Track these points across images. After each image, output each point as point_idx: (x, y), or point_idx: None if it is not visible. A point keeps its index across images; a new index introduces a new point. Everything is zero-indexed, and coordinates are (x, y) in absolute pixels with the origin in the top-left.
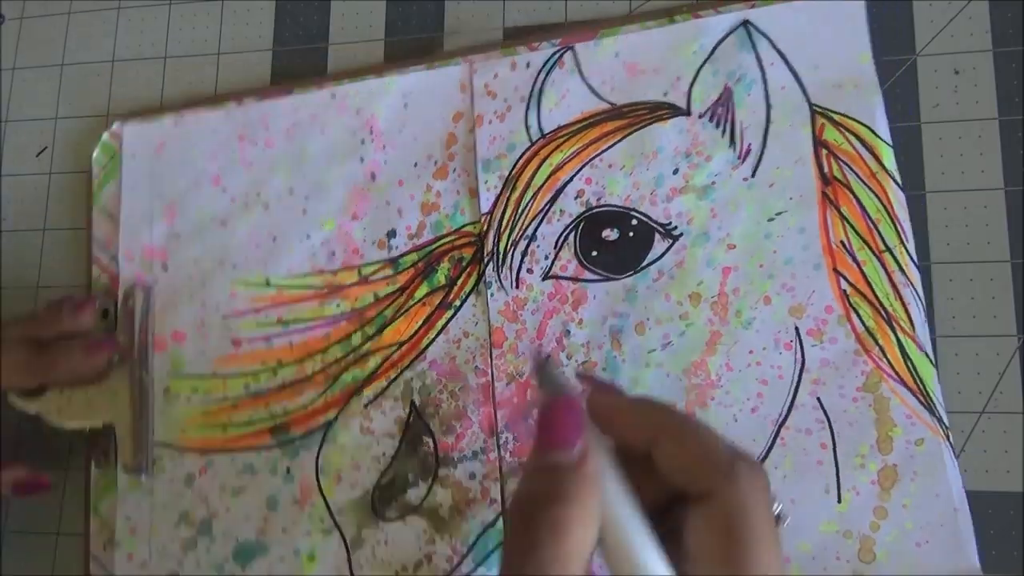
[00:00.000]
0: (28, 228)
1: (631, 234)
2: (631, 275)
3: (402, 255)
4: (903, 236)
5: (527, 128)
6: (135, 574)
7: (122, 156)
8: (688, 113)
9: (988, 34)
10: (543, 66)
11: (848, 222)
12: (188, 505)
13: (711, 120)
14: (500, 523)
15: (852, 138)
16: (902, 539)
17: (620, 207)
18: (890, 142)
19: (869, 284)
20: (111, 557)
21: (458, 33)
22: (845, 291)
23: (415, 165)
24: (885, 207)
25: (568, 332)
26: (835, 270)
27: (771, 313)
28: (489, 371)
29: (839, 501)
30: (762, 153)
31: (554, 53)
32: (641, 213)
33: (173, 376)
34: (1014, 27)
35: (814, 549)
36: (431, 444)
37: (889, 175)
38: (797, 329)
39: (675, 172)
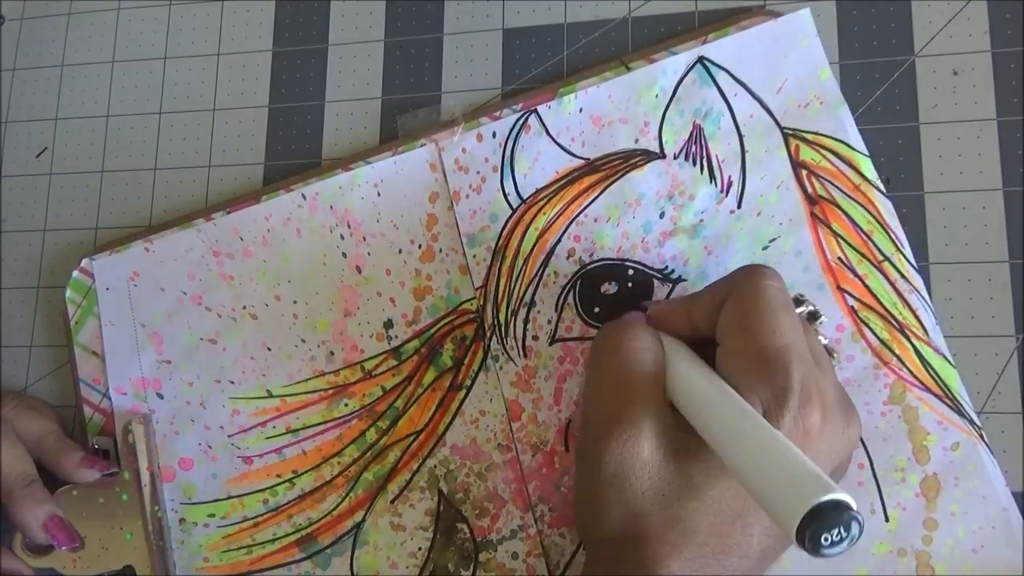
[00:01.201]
0: (28, 229)
1: (630, 284)
2: None
3: (403, 344)
4: (898, 243)
5: (505, 196)
6: None
7: (96, 291)
8: (662, 156)
9: (987, 35)
10: (509, 133)
11: (842, 238)
12: None
13: (687, 159)
14: None
15: (829, 155)
16: (957, 548)
17: (614, 260)
18: (866, 152)
19: (875, 296)
20: None
21: (415, 115)
22: (853, 307)
23: (400, 252)
24: (875, 217)
25: None
26: (839, 288)
27: None
28: (513, 446)
29: (887, 520)
30: (743, 183)
31: (518, 119)
32: (636, 262)
33: (186, 504)
34: (1013, 28)
35: (871, 572)
36: (467, 530)
37: (872, 185)
38: None
39: (661, 216)
